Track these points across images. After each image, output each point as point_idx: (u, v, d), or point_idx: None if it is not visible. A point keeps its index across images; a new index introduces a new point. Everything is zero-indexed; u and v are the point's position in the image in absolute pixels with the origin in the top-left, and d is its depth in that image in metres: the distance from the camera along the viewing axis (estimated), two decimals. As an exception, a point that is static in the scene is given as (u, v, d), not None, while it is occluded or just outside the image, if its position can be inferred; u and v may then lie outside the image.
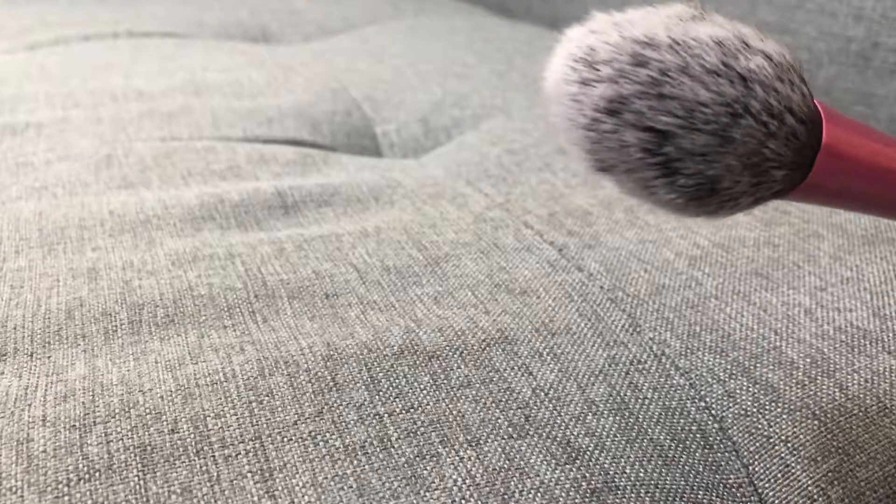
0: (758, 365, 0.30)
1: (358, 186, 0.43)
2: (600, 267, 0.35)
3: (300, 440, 0.26)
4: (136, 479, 0.24)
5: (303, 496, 0.24)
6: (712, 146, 0.21)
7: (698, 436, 0.28)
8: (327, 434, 0.26)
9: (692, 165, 0.22)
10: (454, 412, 0.27)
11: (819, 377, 0.29)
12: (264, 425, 0.26)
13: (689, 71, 0.21)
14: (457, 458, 0.26)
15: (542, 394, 0.28)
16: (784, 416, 0.28)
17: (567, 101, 0.22)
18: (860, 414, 0.28)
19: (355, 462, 0.25)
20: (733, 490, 0.27)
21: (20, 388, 0.28)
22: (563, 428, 0.27)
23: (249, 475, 0.25)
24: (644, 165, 0.22)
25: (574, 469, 0.26)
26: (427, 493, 0.24)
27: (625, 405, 0.28)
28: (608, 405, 0.28)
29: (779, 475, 0.27)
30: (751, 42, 0.23)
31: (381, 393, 0.28)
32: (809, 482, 0.26)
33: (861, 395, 0.29)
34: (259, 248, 0.36)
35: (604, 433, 0.27)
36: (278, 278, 0.34)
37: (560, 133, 0.23)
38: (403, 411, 0.27)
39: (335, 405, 0.27)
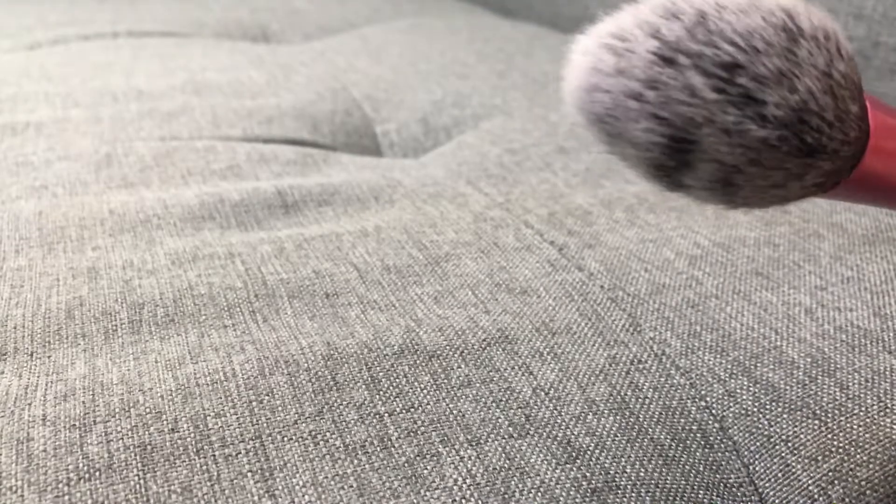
0: (758, 364, 0.30)
1: (358, 186, 0.43)
2: (600, 266, 0.35)
3: (300, 439, 0.26)
4: (136, 478, 0.24)
5: (303, 495, 0.24)
6: (785, 67, 0.19)
7: (699, 435, 0.28)
8: (327, 433, 0.26)
9: (776, 91, 0.19)
10: (454, 412, 0.27)
11: (820, 376, 0.29)
12: (264, 425, 0.26)
13: (725, 11, 0.19)
14: (457, 457, 0.26)
15: (543, 393, 0.28)
16: (785, 416, 0.28)
17: (611, 75, 0.19)
18: (861, 413, 0.28)
19: (355, 461, 0.25)
20: (734, 489, 0.27)
21: (20, 388, 0.28)
22: (563, 427, 0.27)
23: (249, 474, 0.25)
24: (726, 104, 0.19)
25: (574, 468, 0.26)
26: (427, 493, 0.24)
27: (625, 405, 0.28)
28: (608, 405, 0.28)
29: (779, 475, 0.27)
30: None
31: (381, 392, 0.28)
32: (810, 482, 0.26)
33: (862, 395, 0.29)
34: (259, 247, 0.36)
35: (604, 433, 0.27)
36: (278, 278, 0.34)
37: (607, 118, 0.20)
38: (404, 411, 0.27)
39: (335, 404, 0.27)
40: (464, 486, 0.25)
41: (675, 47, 0.19)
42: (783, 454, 0.27)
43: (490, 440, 0.26)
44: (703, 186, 0.20)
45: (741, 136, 0.19)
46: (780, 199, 0.21)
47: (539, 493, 0.25)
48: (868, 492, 0.26)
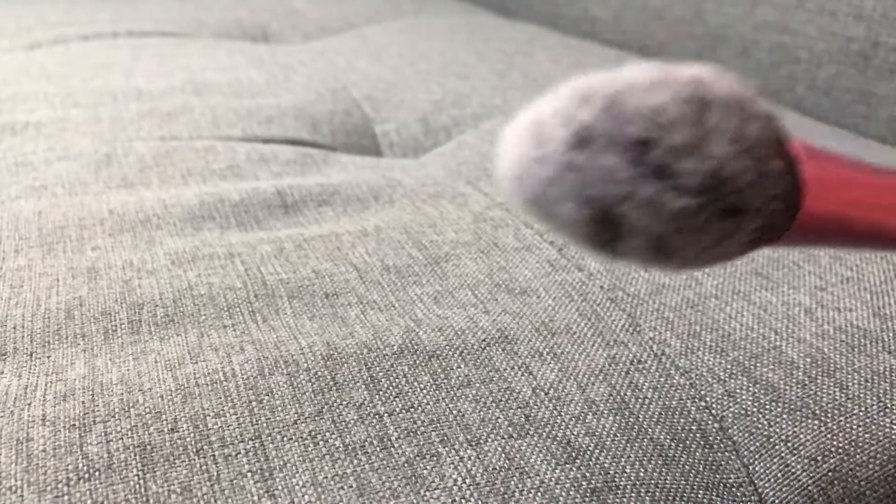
0: (758, 364, 0.30)
1: (358, 186, 0.43)
2: (600, 266, 0.35)
3: (300, 439, 0.26)
4: (135, 478, 0.24)
5: (303, 495, 0.24)
6: (695, 136, 0.20)
7: (698, 435, 0.28)
8: (327, 433, 0.26)
9: (688, 161, 0.20)
10: (454, 412, 0.27)
11: (819, 377, 0.29)
12: (264, 425, 0.26)
13: (635, 90, 0.20)
14: (457, 457, 0.26)
15: (543, 393, 0.28)
16: (784, 416, 0.28)
17: (532, 163, 0.21)
18: (861, 413, 0.28)
19: (355, 461, 0.25)
20: (733, 490, 0.27)
21: (20, 388, 0.28)
22: (563, 427, 0.27)
23: (249, 474, 0.25)
24: (641, 178, 0.20)
25: (574, 468, 0.26)
26: (427, 493, 0.24)
27: (625, 405, 0.28)
28: (608, 405, 0.28)
29: (779, 475, 0.27)
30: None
31: (381, 392, 0.28)
32: (809, 482, 0.26)
33: (862, 395, 0.29)
34: (259, 247, 0.36)
35: (604, 433, 0.27)
36: (278, 278, 0.34)
37: (535, 203, 0.21)
38: (403, 411, 0.27)
39: (335, 405, 0.27)
40: (463, 486, 0.25)
41: (588, 131, 0.20)
42: (783, 454, 0.27)
43: (490, 440, 0.26)
44: (640, 255, 0.21)
45: (661, 208, 0.20)
46: (720, 257, 0.21)
47: (539, 493, 0.25)
48: (868, 492, 0.26)
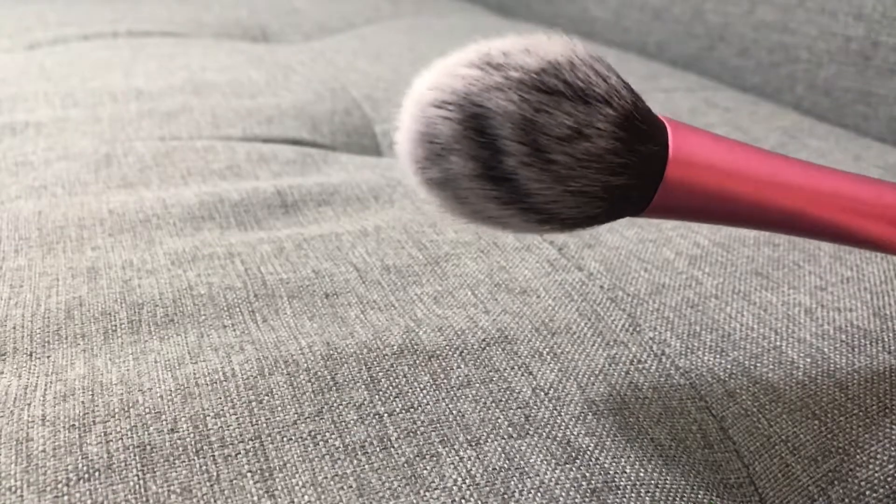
0: (758, 365, 0.30)
1: (358, 186, 0.43)
2: (600, 266, 0.35)
3: (300, 440, 0.26)
4: (135, 478, 0.24)
5: (302, 496, 0.24)
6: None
7: (698, 435, 0.28)
8: (327, 434, 0.26)
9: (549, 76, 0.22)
10: (454, 412, 0.27)
11: (819, 377, 0.29)
12: (264, 425, 0.26)
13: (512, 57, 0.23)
14: (457, 457, 0.26)
15: (542, 393, 0.28)
16: (784, 416, 0.28)
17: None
18: (860, 414, 0.28)
19: (355, 462, 0.25)
20: (734, 490, 0.27)
21: (20, 388, 0.28)
22: (563, 428, 0.27)
23: (249, 475, 0.25)
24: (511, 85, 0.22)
25: (574, 469, 0.26)
26: (427, 493, 0.24)
27: (625, 405, 0.28)
28: (608, 405, 0.28)
29: (779, 475, 0.27)
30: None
31: (380, 392, 0.28)
32: (810, 482, 0.26)
33: (861, 395, 0.29)
34: (259, 247, 0.36)
35: (604, 433, 0.27)
36: (278, 278, 0.34)
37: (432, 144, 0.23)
38: (403, 411, 0.27)
39: (335, 405, 0.27)
40: (463, 486, 0.25)
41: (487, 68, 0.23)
42: (783, 454, 0.27)
43: (490, 440, 0.26)
44: (520, 161, 0.23)
45: (521, 89, 0.23)
46: (594, 165, 0.23)
47: (539, 494, 0.25)
48: (868, 492, 0.26)
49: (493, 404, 0.28)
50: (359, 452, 0.25)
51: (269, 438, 0.26)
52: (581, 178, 0.23)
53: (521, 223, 0.24)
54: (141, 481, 0.24)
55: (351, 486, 0.24)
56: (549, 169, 0.22)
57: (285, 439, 0.26)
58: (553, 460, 0.26)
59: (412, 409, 0.27)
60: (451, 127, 0.22)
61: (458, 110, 0.22)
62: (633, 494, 0.25)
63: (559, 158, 0.22)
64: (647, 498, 0.25)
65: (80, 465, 0.25)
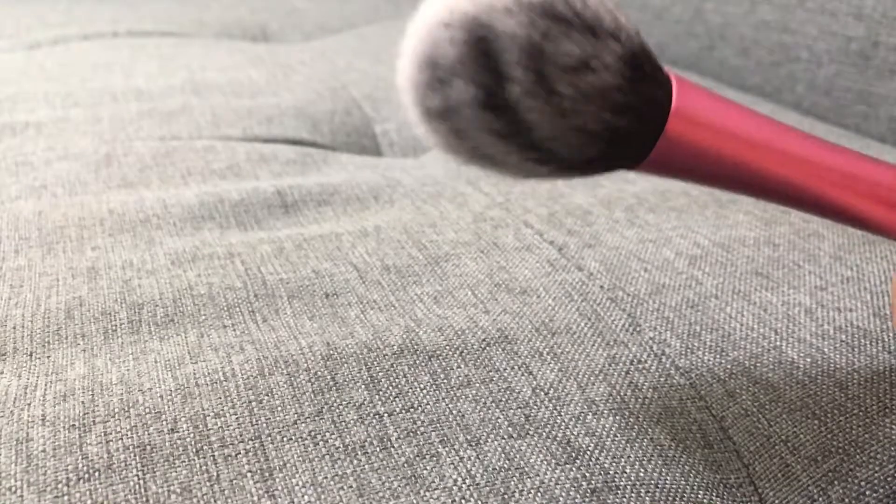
0: (758, 364, 0.30)
1: (358, 186, 0.43)
2: (600, 266, 0.35)
3: (300, 440, 0.26)
4: (135, 478, 0.24)
5: (302, 496, 0.24)
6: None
7: (698, 435, 0.28)
8: (327, 434, 0.26)
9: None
10: (454, 412, 0.27)
11: (819, 377, 0.29)
12: (264, 425, 0.26)
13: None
14: (457, 457, 0.26)
15: (542, 393, 0.28)
16: (784, 416, 0.28)
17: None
18: (860, 413, 0.28)
19: (355, 462, 0.25)
20: (733, 490, 0.27)
21: (20, 388, 0.28)
22: (563, 428, 0.27)
23: (249, 475, 0.25)
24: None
25: (574, 469, 0.26)
26: (427, 493, 0.24)
27: (625, 405, 0.28)
28: (608, 405, 0.28)
29: (779, 475, 0.27)
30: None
31: (380, 392, 0.28)
32: (810, 482, 0.26)
33: (861, 395, 0.29)
34: (259, 247, 0.36)
35: (604, 433, 0.27)
36: (278, 278, 0.34)
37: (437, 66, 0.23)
38: (403, 411, 0.27)
39: (335, 405, 0.27)
40: (463, 486, 0.25)
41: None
42: (783, 454, 0.27)
43: (490, 440, 0.26)
44: (525, 90, 0.22)
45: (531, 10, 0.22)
46: (589, 93, 0.23)
47: (539, 494, 0.25)
48: (868, 492, 0.26)
49: (493, 404, 0.28)
50: (359, 452, 0.26)
51: (269, 438, 0.26)
52: (584, 113, 0.22)
53: (520, 163, 0.23)
54: (141, 481, 0.24)
55: (351, 486, 0.24)
56: (552, 101, 0.22)
57: (285, 439, 0.26)
58: (553, 460, 0.26)
59: (412, 409, 0.27)
60: (457, 49, 0.22)
61: (465, 32, 0.22)
62: (633, 494, 0.25)
63: (563, 90, 0.22)
64: (647, 498, 0.25)
65: (80, 465, 0.25)
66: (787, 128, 0.25)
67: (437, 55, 0.23)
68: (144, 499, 0.24)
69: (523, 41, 0.22)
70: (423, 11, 0.23)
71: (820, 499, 0.26)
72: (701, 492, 0.26)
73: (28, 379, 0.28)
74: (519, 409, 0.27)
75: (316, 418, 0.27)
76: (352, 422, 0.27)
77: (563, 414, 0.27)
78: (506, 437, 0.26)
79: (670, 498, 0.25)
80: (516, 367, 0.29)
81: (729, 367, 0.30)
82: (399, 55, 0.24)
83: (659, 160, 0.24)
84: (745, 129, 0.24)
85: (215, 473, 0.25)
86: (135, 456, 0.25)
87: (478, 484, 0.25)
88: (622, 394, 0.29)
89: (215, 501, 0.24)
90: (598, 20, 0.22)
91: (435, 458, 0.25)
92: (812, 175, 0.25)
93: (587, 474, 0.25)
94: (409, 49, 0.23)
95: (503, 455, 0.26)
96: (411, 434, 0.26)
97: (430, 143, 0.24)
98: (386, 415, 0.27)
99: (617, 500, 0.25)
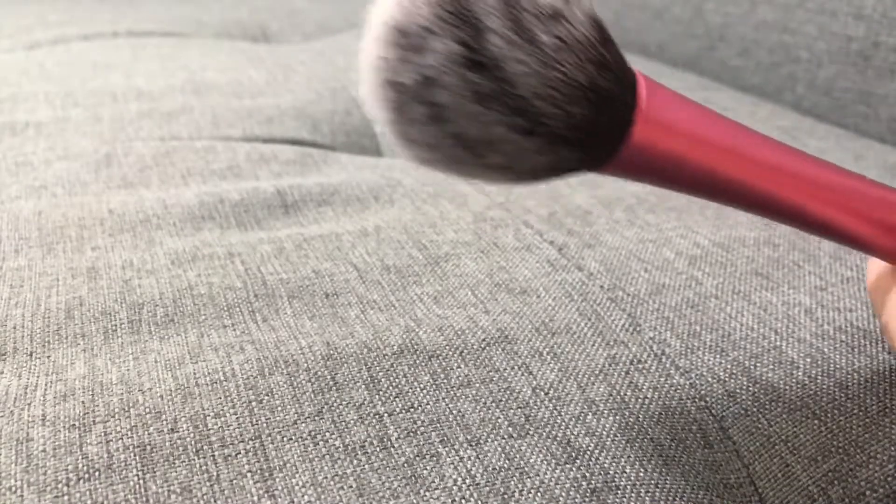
0: (758, 364, 0.30)
1: (358, 186, 0.43)
2: (600, 266, 0.35)
3: (300, 440, 0.26)
4: (135, 478, 0.24)
5: (302, 496, 0.24)
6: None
7: (698, 435, 0.28)
8: (327, 433, 0.26)
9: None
10: (454, 412, 0.27)
11: (819, 377, 0.29)
12: (264, 425, 0.26)
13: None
14: (457, 457, 0.26)
15: (543, 393, 0.28)
16: (784, 416, 0.28)
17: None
18: (860, 413, 0.28)
19: (355, 462, 0.25)
20: (734, 490, 0.27)
21: (20, 388, 0.28)
22: (563, 427, 0.27)
23: (249, 474, 0.25)
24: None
25: (574, 469, 0.26)
26: (427, 493, 0.24)
27: (625, 405, 0.28)
28: (608, 405, 0.28)
29: (779, 475, 0.27)
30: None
31: (381, 392, 0.28)
32: (810, 482, 0.26)
33: (861, 395, 0.29)
34: (259, 247, 0.36)
35: (604, 433, 0.27)
36: (278, 278, 0.34)
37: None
38: (403, 411, 0.27)
39: (335, 405, 0.27)
40: (463, 486, 0.25)
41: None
42: (783, 454, 0.27)
43: (490, 440, 0.26)
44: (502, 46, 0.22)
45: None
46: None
47: (539, 494, 0.25)
48: (868, 492, 0.26)
49: (493, 404, 0.28)
50: (359, 452, 0.26)
51: (269, 438, 0.26)
52: (566, 62, 0.22)
53: (505, 134, 0.23)
54: (141, 481, 0.24)
55: (351, 486, 0.24)
56: (533, 51, 0.22)
57: (285, 439, 0.26)
58: (553, 460, 0.26)
59: (412, 409, 0.27)
60: (431, 7, 0.22)
61: None
62: (633, 494, 0.25)
63: (543, 38, 0.22)
64: (647, 498, 0.25)
65: (81, 465, 0.25)
66: (758, 134, 0.25)
67: (409, 22, 0.23)
68: (144, 499, 0.24)
69: None
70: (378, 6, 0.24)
71: (820, 499, 0.26)
72: (701, 492, 0.26)
73: (28, 379, 0.28)
74: (519, 409, 0.27)
75: (316, 418, 0.27)
76: (352, 422, 0.27)
77: (563, 414, 0.27)
78: (506, 436, 0.26)
79: (670, 498, 0.25)
80: (516, 367, 0.29)
81: (729, 367, 0.30)
82: (359, 59, 0.24)
83: (630, 158, 0.23)
84: (712, 132, 0.24)
85: (215, 473, 0.25)
86: (135, 456, 0.25)
87: (478, 484, 0.25)
88: (622, 394, 0.29)
89: (215, 501, 0.24)
90: None
91: (435, 458, 0.25)
92: (779, 182, 0.24)
93: (587, 474, 0.25)
94: (372, 35, 0.24)
95: (503, 455, 0.26)
96: (411, 434, 0.26)
97: (399, 144, 0.24)
98: (386, 415, 0.27)
99: (617, 500, 0.25)
